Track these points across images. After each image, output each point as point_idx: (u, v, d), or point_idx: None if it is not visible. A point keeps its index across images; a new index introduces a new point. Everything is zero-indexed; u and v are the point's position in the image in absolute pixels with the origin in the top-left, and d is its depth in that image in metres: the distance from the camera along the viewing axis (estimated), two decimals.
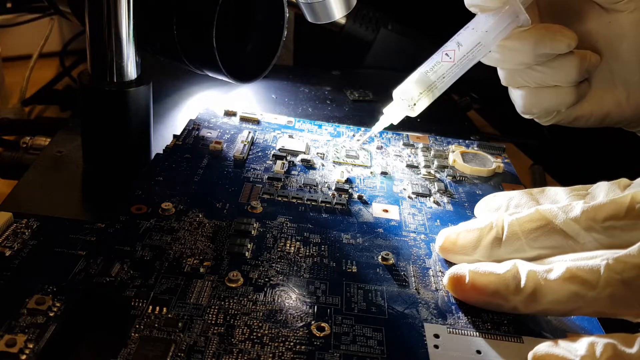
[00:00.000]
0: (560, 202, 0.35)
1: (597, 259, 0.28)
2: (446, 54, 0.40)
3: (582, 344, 0.26)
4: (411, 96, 0.41)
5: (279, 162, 0.45)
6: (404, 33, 0.72)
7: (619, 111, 0.41)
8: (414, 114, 0.42)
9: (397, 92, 0.42)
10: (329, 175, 0.45)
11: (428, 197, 0.43)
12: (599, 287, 0.28)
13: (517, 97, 0.42)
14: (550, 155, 0.64)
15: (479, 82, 0.70)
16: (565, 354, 0.27)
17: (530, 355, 0.28)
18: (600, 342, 0.26)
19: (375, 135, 0.52)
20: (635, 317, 0.28)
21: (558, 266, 0.29)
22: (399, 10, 0.73)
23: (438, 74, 0.40)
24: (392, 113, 0.43)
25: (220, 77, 0.44)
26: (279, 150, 0.47)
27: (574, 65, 0.39)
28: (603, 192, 0.34)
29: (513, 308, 0.30)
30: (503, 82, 0.43)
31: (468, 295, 0.32)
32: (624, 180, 0.34)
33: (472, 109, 0.69)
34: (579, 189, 0.35)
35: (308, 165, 0.45)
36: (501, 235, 0.33)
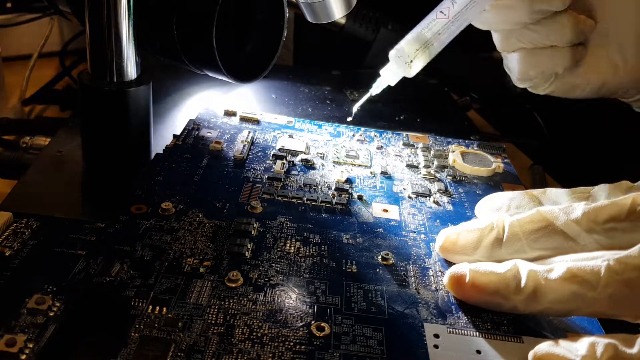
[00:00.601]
0: (561, 203, 0.35)
1: (598, 259, 0.28)
2: (441, 12, 0.40)
3: (582, 344, 0.26)
4: (407, 53, 0.41)
5: (278, 162, 0.45)
6: (404, 33, 0.72)
7: (615, 77, 0.41)
8: (410, 73, 0.42)
9: (392, 52, 0.42)
10: (329, 175, 0.45)
11: (428, 197, 0.43)
12: (600, 287, 0.28)
13: (513, 61, 0.42)
14: (550, 155, 0.64)
15: (479, 83, 0.70)
16: (565, 353, 0.27)
17: (530, 355, 0.28)
18: (601, 343, 0.26)
19: (375, 135, 0.52)
20: (635, 318, 0.28)
21: (559, 266, 0.29)
22: (399, 10, 0.73)
23: (433, 30, 0.40)
24: (389, 73, 0.42)
25: (220, 77, 0.44)
26: (278, 150, 0.47)
27: (569, 24, 0.39)
28: (604, 194, 0.34)
29: (513, 307, 0.30)
30: (499, 47, 0.42)
31: (468, 295, 0.32)
32: (625, 183, 0.34)
33: (472, 109, 0.69)
34: (580, 191, 0.35)
35: (308, 165, 0.45)
36: (502, 235, 0.33)
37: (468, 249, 0.34)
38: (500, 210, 0.37)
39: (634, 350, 0.25)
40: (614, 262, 0.28)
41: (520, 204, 0.36)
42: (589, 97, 0.43)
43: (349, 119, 0.47)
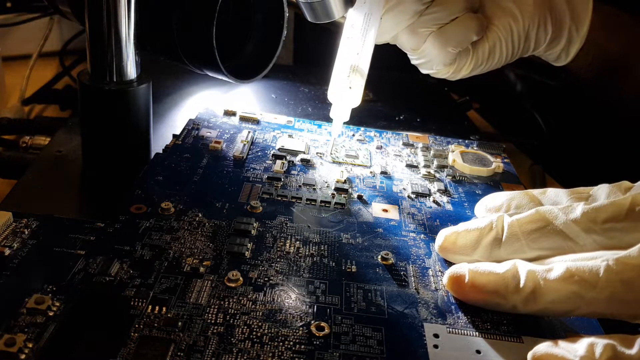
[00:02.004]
0: (560, 203, 0.35)
1: (597, 259, 0.28)
2: (347, 38, 0.43)
3: (581, 345, 0.26)
4: (340, 85, 0.43)
5: (278, 161, 0.45)
6: None
7: (518, 27, 0.44)
8: (356, 99, 0.44)
9: (329, 93, 0.44)
10: (329, 174, 0.45)
11: (428, 197, 0.43)
12: (599, 287, 0.28)
13: (429, 49, 0.44)
14: (550, 155, 0.64)
15: (479, 83, 0.70)
16: (564, 354, 0.27)
17: (529, 355, 0.28)
18: (599, 343, 0.26)
19: (375, 135, 0.52)
20: (634, 318, 0.28)
21: (558, 266, 0.29)
22: None
23: (351, 53, 0.43)
24: (337, 111, 0.44)
25: (220, 77, 0.44)
26: (278, 149, 0.47)
27: None
28: (604, 194, 0.34)
29: (512, 307, 0.30)
30: (411, 46, 0.45)
31: (468, 295, 0.32)
32: (625, 183, 0.34)
33: (472, 109, 0.69)
34: (580, 191, 0.35)
35: (307, 165, 0.45)
36: (501, 235, 0.33)
37: (467, 249, 0.34)
38: (500, 210, 0.37)
39: (633, 351, 0.25)
40: (613, 262, 0.28)
41: (520, 203, 0.36)
42: (511, 59, 0.45)
43: (328, 158, 0.47)
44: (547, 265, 0.30)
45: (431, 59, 0.45)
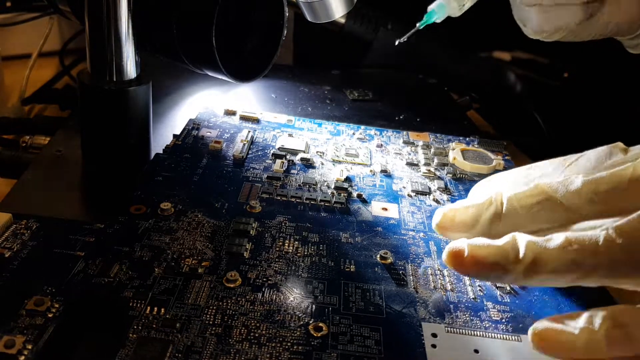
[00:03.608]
0: (554, 174, 0.34)
1: (597, 229, 0.28)
2: None
3: (581, 317, 0.27)
4: None
5: (278, 161, 0.45)
6: (404, 32, 0.72)
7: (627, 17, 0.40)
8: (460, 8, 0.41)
9: None
10: (329, 173, 0.45)
11: (428, 195, 0.43)
12: (599, 255, 0.27)
13: (530, 14, 0.41)
14: (550, 155, 0.64)
15: (479, 83, 0.70)
16: (564, 327, 0.27)
17: (530, 331, 0.28)
18: (599, 314, 0.26)
19: (375, 133, 0.52)
20: (635, 285, 0.28)
21: (557, 236, 0.29)
22: (399, 9, 0.73)
23: None
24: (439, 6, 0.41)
25: (220, 77, 0.44)
26: (278, 149, 0.47)
27: None
28: (594, 157, 0.33)
29: (513, 279, 0.30)
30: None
31: (468, 269, 0.31)
32: (620, 145, 0.33)
33: (472, 109, 0.69)
34: (571, 159, 0.35)
35: (307, 164, 0.45)
36: (500, 210, 0.32)
37: (466, 226, 0.33)
38: (497, 188, 0.37)
39: (632, 320, 0.26)
40: (612, 229, 0.28)
41: (517, 180, 0.36)
42: (596, 38, 0.42)
43: (402, 39, 0.45)
44: (546, 236, 0.30)
45: (523, 20, 0.42)
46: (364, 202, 0.41)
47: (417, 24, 0.43)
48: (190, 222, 0.36)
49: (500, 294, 0.34)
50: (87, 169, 0.44)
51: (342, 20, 0.70)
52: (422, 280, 0.34)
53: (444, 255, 0.32)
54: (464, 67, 0.71)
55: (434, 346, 0.29)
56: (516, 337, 0.31)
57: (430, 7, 0.41)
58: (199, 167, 0.43)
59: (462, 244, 0.32)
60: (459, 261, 0.31)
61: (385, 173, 0.46)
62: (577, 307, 0.33)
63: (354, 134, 0.52)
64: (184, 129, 0.48)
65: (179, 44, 0.43)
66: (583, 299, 0.34)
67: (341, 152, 0.48)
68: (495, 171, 0.48)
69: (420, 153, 0.50)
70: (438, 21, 0.42)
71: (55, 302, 0.29)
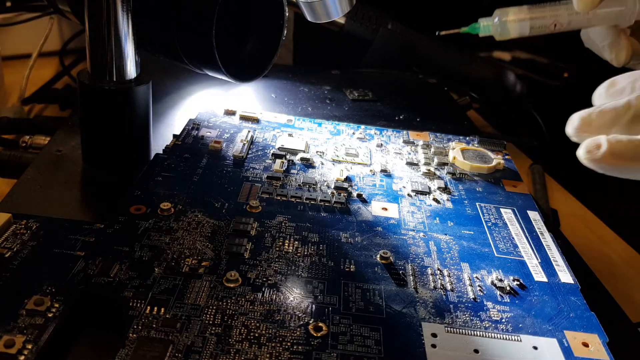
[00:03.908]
0: None
1: None
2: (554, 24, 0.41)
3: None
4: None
5: (278, 161, 0.45)
6: (404, 32, 0.72)
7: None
8: (505, 32, 0.42)
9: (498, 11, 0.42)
10: (328, 173, 0.45)
11: (427, 195, 0.43)
12: None
13: None
14: (550, 155, 0.64)
15: (479, 83, 0.70)
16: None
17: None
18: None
19: (375, 133, 0.52)
20: None
21: None
22: (399, 9, 0.73)
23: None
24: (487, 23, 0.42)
25: (219, 77, 0.44)
26: (278, 149, 0.47)
27: None
28: None
29: None
30: None
31: (604, 161, 0.31)
32: None
33: (472, 109, 0.69)
34: None
35: (307, 164, 0.45)
36: None
37: (604, 129, 0.33)
38: (623, 93, 0.35)
39: None
40: None
41: None
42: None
43: (442, 33, 0.45)
44: None
45: None
46: (364, 202, 0.41)
47: (461, 28, 0.44)
48: (190, 222, 0.36)
49: (500, 294, 0.34)
50: (87, 169, 0.44)
51: (342, 20, 0.70)
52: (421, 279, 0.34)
53: (580, 151, 0.32)
54: (464, 67, 0.71)
55: (433, 346, 0.29)
56: (516, 337, 0.31)
57: (481, 22, 0.42)
58: (199, 167, 0.43)
59: (601, 138, 0.31)
60: (594, 154, 0.31)
61: (385, 173, 0.46)
62: (577, 307, 0.33)
63: (353, 133, 0.52)
64: (184, 129, 0.48)
65: (179, 44, 0.43)
66: (583, 298, 0.34)
67: (341, 152, 0.48)
68: (496, 171, 0.48)
69: (420, 152, 0.50)
70: (480, 35, 0.43)
71: (55, 302, 0.29)
